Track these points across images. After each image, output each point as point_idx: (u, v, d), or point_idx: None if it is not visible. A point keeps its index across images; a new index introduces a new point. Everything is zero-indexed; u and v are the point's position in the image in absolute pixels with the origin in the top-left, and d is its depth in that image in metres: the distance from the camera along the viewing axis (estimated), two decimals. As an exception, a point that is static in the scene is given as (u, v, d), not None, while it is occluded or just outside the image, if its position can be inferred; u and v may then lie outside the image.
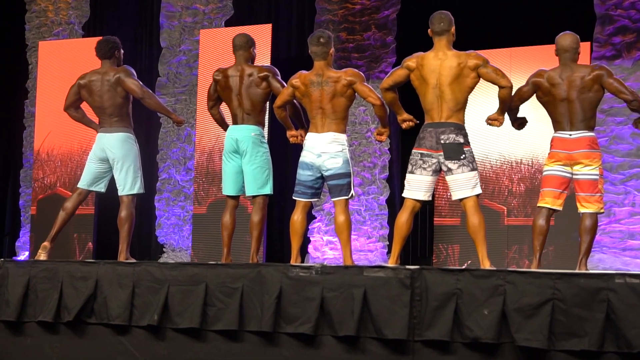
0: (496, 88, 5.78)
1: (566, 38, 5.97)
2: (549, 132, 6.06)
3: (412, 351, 5.07)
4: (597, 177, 5.87)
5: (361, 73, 6.13)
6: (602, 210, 5.94)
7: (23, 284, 6.15)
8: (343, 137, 6.11)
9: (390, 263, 5.84)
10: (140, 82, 6.83)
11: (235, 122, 6.55)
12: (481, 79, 5.80)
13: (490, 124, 6.01)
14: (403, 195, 5.93)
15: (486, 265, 5.64)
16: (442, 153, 5.75)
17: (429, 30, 5.93)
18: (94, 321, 5.93)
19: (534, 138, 8.00)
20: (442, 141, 5.74)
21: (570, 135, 5.87)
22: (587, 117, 5.87)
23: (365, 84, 6.08)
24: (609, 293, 4.68)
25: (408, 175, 5.89)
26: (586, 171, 5.86)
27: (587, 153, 5.85)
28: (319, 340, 5.30)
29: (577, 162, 5.87)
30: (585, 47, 7.95)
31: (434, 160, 5.78)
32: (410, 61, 5.86)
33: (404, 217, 5.87)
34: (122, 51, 6.99)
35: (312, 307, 5.29)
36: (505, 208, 8.27)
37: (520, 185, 8.39)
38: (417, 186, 5.84)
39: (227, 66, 6.69)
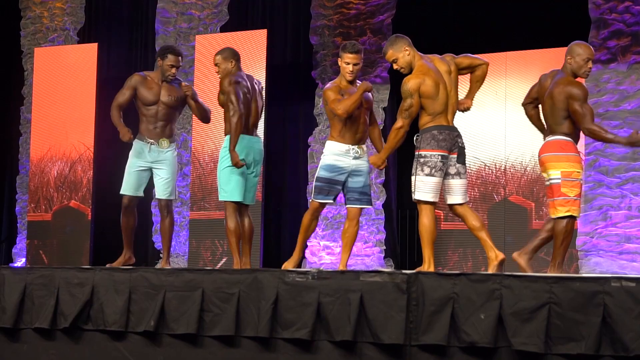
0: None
1: (570, 45, 5.91)
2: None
3: (409, 356, 5.06)
4: (559, 180, 5.74)
5: (327, 91, 6.10)
6: (563, 214, 5.73)
7: (19, 290, 6.15)
8: (328, 144, 6.21)
9: (431, 269, 5.74)
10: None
11: (246, 132, 6.52)
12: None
13: (463, 110, 5.98)
14: (424, 199, 5.71)
15: (499, 256, 5.66)
16: (456, 156, 5.78)
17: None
18: (91, 327, 5.93)
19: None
20: (459, 144, 5.80)
21: (545, 139, 5.88)
22: (557, 122, 5.78)
23: (334, 100, 6.05)
24: (605, 297, 4.67)
25: (427, 178, 5.71)
26: (548, 176, 5.80)
27: (549, 157, 5.77)
28: (315, 345, 5.30)
29: (542, 166, 5.85)
30: (580, 51, 7.98)
31: (449, 163, 5.78)
32: (417, 80, 5.72)
33: (433, 222, 5.74)
34: (166, 61, 6.93)
35: (308, 312, 5.29)
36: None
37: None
38: (436, 189, 5.73)
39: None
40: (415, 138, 5.82)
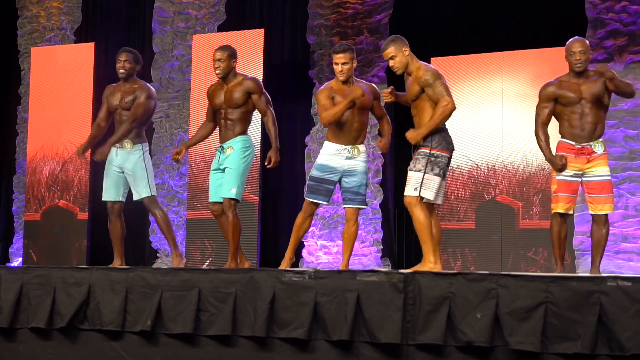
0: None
1: None
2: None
3: (406, 355, 5.06)
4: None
5: (318, 94, 6.22)
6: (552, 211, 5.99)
7: (16, 290, 6.15)
8: (324, 144, 6.28)
9: (438, 266, 5.78)
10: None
11: None
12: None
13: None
14: (428, 197, 5.75)
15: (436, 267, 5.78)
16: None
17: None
18: (87, 327, 5.93)
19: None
20: (453, 148, 5.94)
21: None
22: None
23: (321, 106, 6.14)
24: (601, 296, 4.68)
25: (435, 178, 5.76)
26: None
27: None
28: (312, 345, 5.30)
29: None
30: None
31: None
32: (435, 69, 5.87)
33: (429, 217, 5.80)
34: (118, 59, 7.03)
35: (305, 312, 5.29)
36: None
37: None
38: (439, 190, 5.84)
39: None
40: (425, 139, 5.79)
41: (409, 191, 5.78)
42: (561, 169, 5.82)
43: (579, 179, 5.89)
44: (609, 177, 5.92)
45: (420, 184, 5.73)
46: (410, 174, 5.80)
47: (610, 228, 8.20)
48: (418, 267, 5.70)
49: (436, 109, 5.70)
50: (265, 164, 6.47)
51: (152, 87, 7.17)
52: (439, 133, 5.77)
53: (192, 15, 10.21)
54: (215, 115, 6.63)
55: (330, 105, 6.07)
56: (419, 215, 5.75)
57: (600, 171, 5.85)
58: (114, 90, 7.09)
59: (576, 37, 5.96)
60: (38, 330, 6.05)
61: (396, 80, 5.99)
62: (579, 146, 5.83)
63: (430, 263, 5.70)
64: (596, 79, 5.86)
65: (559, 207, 5.90)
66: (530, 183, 8.24)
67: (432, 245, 5.73)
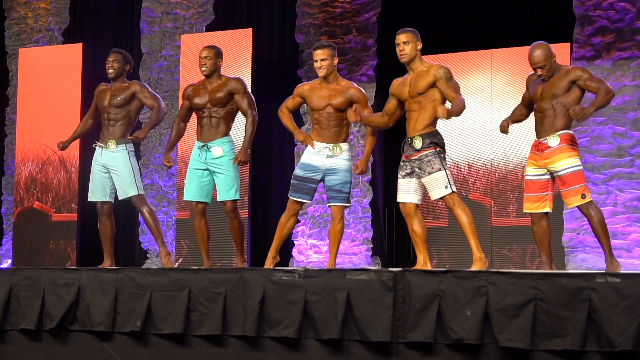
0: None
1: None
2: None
3: (396, 353, 5.07)
4: None
5: (294, 90, 6.38)
6: None
7: (5, 291, 6.12)
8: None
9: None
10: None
11: None
12: None
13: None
14: (455, 190, 5.84)
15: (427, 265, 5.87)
16: None
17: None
18: (77, 328, 5.91)
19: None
20: None
21: None
22: None
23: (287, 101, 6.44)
24: (590, 292, 4.69)
25: (449, 172, 5.86)
26: None
27: None
28: (302, 343, 5.30)
29: None
30: (565, 48, 8.02)
31: None
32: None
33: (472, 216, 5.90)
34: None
35: (295, 311, 5.29)
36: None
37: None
38: None
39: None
40: (427, 139, 5.79)
41: (441, 192, 5.75)
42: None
43: (547, 176, 5.84)
44: (569, 170, 5.70)
45: (447, 180, 5.76)
46: (430, 177, 5.76)
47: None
48: (473, 267, 5.64)
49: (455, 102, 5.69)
50: (233, 163, 6.47)
51: None
52: (439, 134, 5.86)
53: (180, 15, 10.20)
54: (189, 115, 6.70)
55: (292, 105, 6.44)
56: (463, 211, 5.76)
57: (559, 166, 5.70)
58: (104, 90, 7.08)
59: (535, 43, 5.84)
60: (28, 331, 6.03)
61: (385, 80, 6.02)
62: (537, 141, 5.83)
63: (479, 260, 5.66)
64: (560, 77, 5.79)
65: (524, 208, 5.91)
66: (507, 180, 8.26)
67: (478, 241, 5.73)
